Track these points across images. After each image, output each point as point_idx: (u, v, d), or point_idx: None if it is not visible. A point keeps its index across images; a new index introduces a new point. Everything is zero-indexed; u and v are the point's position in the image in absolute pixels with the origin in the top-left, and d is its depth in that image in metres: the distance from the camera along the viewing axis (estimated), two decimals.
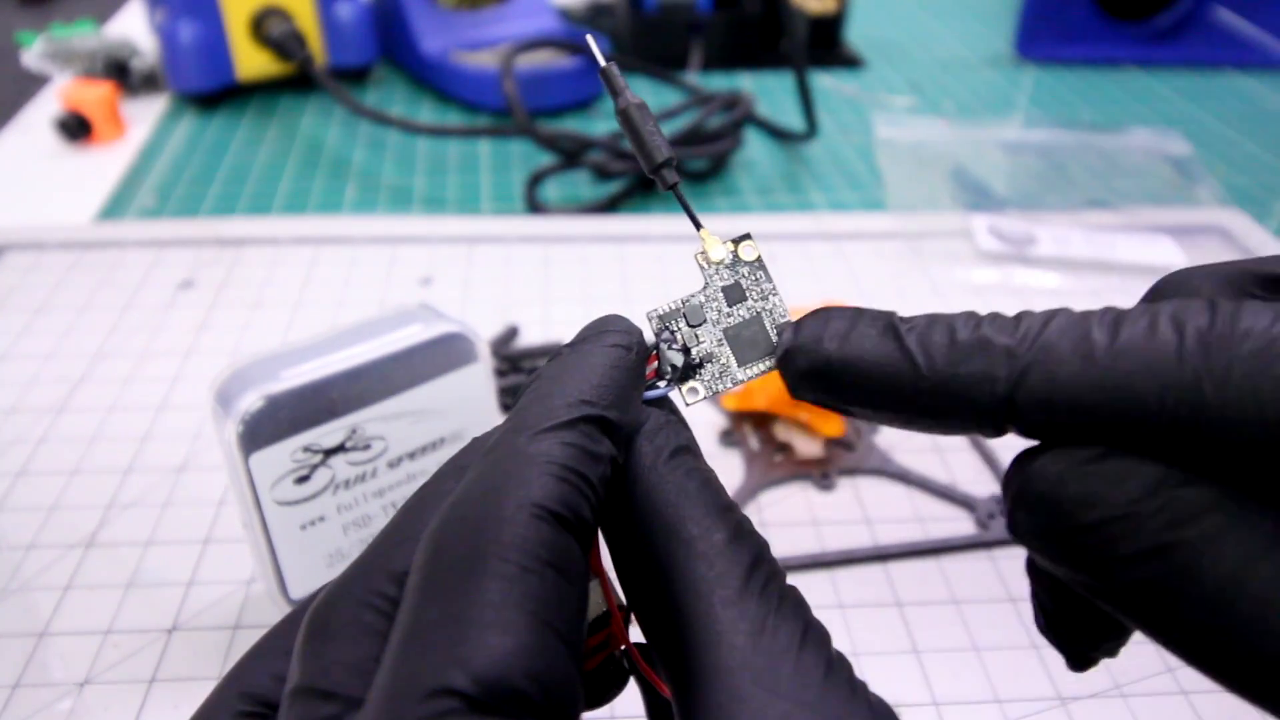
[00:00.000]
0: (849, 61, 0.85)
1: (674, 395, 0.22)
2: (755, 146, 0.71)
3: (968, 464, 0.42)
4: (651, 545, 0.18)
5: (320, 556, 0.32)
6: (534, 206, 0.61)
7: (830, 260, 0.56)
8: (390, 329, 0.32)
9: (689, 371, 0.22)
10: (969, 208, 0.61)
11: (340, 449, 0.31)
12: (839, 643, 0.33)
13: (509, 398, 0.44)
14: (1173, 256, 0.56)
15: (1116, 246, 0.56)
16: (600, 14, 0.88)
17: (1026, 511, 0.18)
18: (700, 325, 0.22)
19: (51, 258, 0.55)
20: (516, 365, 0.46)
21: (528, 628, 0.15)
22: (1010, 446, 0.42)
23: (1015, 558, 0.37)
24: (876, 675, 0.33)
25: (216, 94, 0.74)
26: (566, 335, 0.49)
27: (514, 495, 0.17)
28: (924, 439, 0.43)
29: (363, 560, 0.18)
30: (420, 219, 0.60)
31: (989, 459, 0.42)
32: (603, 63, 0.23)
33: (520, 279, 0.53)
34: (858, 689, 0.17)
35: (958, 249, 0.57)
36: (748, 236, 0.22)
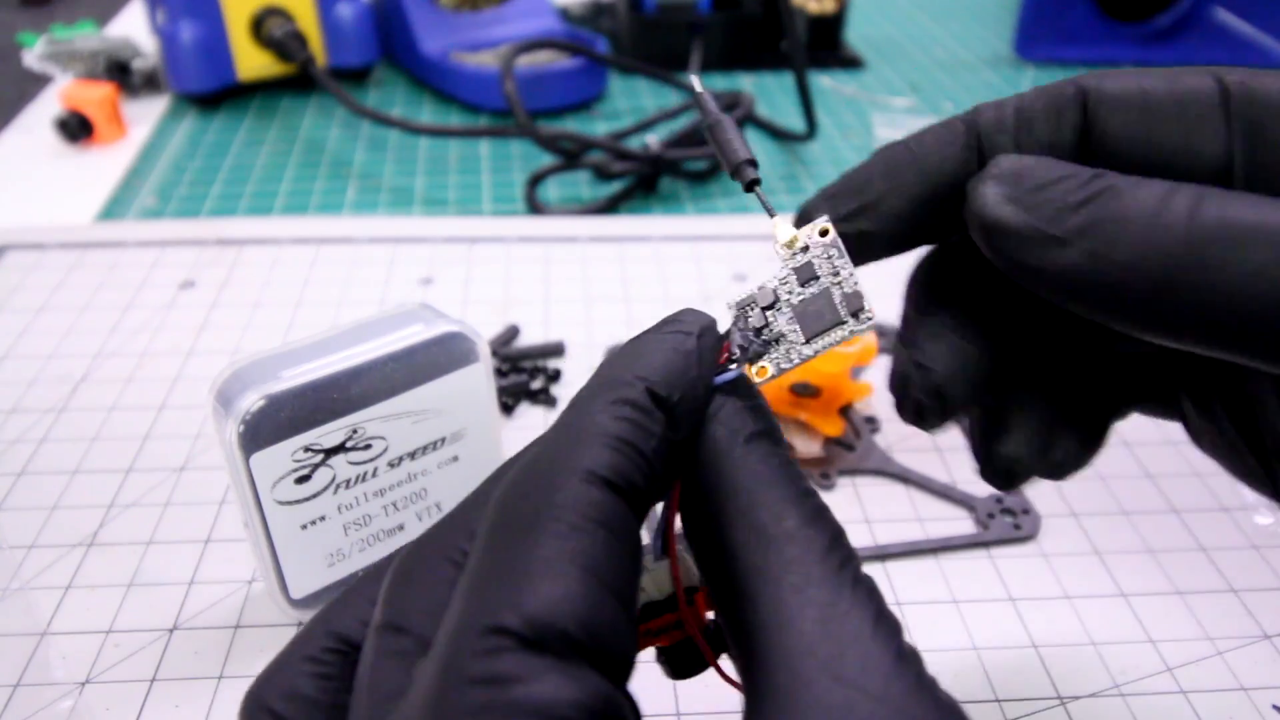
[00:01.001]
0: (849, 62, 0.85)
1: (750, 376, 0.22)
2: (755, 147, 0.71)
3: (967, 464, 0.42)
4: (723, 529, 0.19)
5: (321, 556, 0.32)
6: (534, 207, 0.61)
7: None
8: (391, 329, 0.32)
9: (759, 351, 0.22)
10: None
11: (341, 449, 0.31)
12: None
13: (509, 398, 0.44)
14: None
15: None
16: (600, 14, 0.88)
17: (997, 184, 0.21)
18: (773, 307, 0.23)
19: (52, 258, 0.55)
20: (516, 365, 0.46)
21: (577, 579, 0.16)
22: None
23: (1015, 557, 0.37)
24: None
25: (217, 94, 0.74)
26: (567, 335, 0.49)
27: (568, 463, 0.18)
28: (924, 439, 0.43)
29: (446, 519, 0.20)
30: (421, 219, 0.60)
31: None
32: (699, 88, 0.25)
33: (520, 279, 0.53)
34: (926, 683, 0.17)
35: None
36: (823, 219, 0.23)
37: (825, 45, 0.85)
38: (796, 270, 0.23)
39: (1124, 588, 0.36)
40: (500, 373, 0.46)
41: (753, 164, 0.24)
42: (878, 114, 0.74)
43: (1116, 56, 0.85)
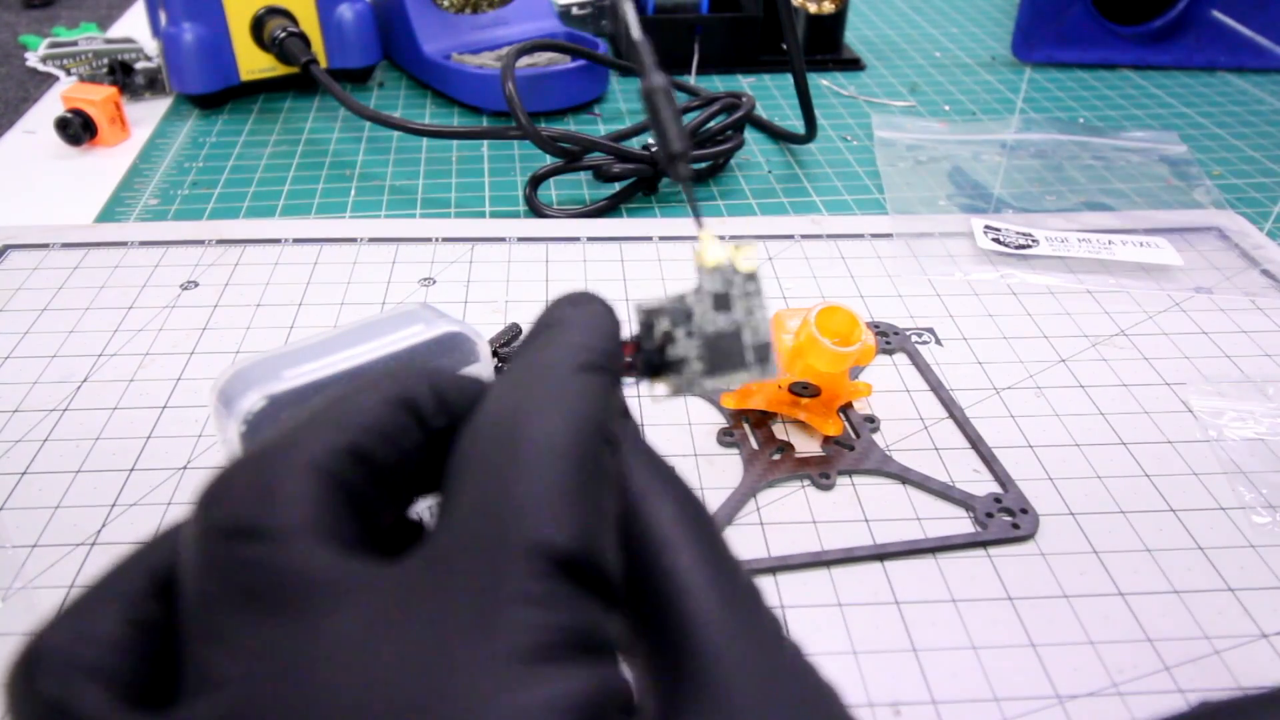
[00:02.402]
0: (848, 63, 0.85)
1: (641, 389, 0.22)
2: (755, 148, 0.71)
3: (967, 464, 0.42)
4: (643, 568, 0.18)
5: None
6: (535, 208, 0.61)
7: (829, 261, 0.56)
8: (392, 329, 0.32)
9: (660, 369, 0.22)
10: (967, 209, 0.61)
11: None
12: (838, 642, 0.34)
13: None
14: (1170, 257, 0.56)
15: (1114, 247, 0.57)
16: (600, 15, 0.88)
17: None
18: (682, 327, 0.22)
19: (55, 258, 0.55)
20: None
21: (590, 513, 0.16)
22: (1010, 446, 0.43)
23: (1013, 557, 0.37)
24: (875, 674, 0.33)
25: (219, 96, 0.74)
26: None
27: (558, 346, 0.19)
28: (924, 439, 0.43)
29: (276, 442, 0.17)
30: (422, 220, 0.60)
31: (987, 458, 0.42)
32: (637, 35, 0.22)
33: (520, 279, 0.54)
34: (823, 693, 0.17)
35: (956, 250, 0.57)
36: (751, 244, 0.22)
37: (825, 46, 0.85)
38: (714, 296, 0.22)
39: (1122, 587, 0.36)
40: (500, 372, 0.46)
41: (685, 157, 0.22)
42: (877, 115, 0.75)
43: (1114, 58, 0.85)
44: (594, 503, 0.16)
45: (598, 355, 0.19)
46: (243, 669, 0.14)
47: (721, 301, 0.22)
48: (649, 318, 0.22)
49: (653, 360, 0.22)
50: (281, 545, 0.15)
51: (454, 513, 0.16)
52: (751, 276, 0.22)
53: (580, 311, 0.21)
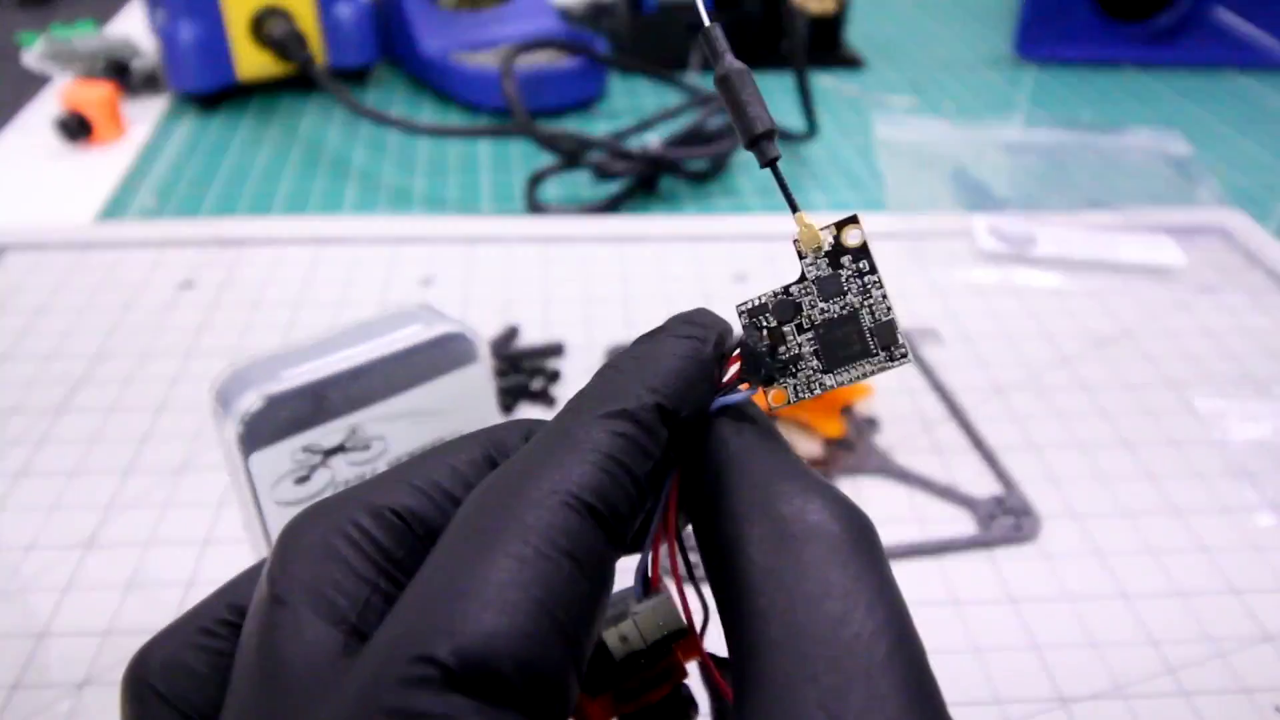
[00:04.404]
0: (849, 62, 0.85)
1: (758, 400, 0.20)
2: None
3: (968, 464, 0.42)
4: (737, 523, 0.17)
5: None
6: (534, 207, 0.61)
7: None
8: (390, 329, 0.32)
9: (775, 375, 0.20)
10: (969, 208, 0.61)
11: (340, 449, 0.31)
12: None
13: (509, 398, 0.44)
14: (1173, 257, 0.56)
15: (1117, 247, 0.56)
16: (600, 14, 0.88)
17: None
18: (791, 322, 0.20)
19: (52, 258, 0.55)
20: (516, 365, 0.46)
21: (526, 612, 0.15)
22: (1012, 447, 0.42)
23: (1015, 558, 0.37)
24: None
25: (217, 94, 0.74)
26: (567, 335, 0.49)
27: (550, 479, 0.16)
28: (926, 440, 0.43)
29: (344, 492, 0.18)
30: (421, 219, 0.60)
31: (989, 459, 0.42)
32: (706, 21, 0.20)
33: (520, 279, 0.53)
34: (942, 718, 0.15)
35: (958, 249, 0.57)
36: (854, 220, 0.19)
37: (826, 45, 0.85)
38: (819, 282, 0.19)
39: (1125, 589, 0.36)
40: (500, 373, 0.46)
41: (772, 136, 0.19)
42: (878, 114, 0.74)
43: (1117, 56, 0.85)
44: (547, 597, 0.15)
45: (636, 400, 0.18)
46: None
47: (830, 286, 0.19)
48: (751, 318, 0.20)
49: (763, 365, 0.19)
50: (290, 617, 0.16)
51: (396, 605, 0.16)
52: (862, 252, 0.19)
53: (646, 347, 0.19)
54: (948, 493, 0.40)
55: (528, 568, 0.15)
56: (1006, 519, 0.39)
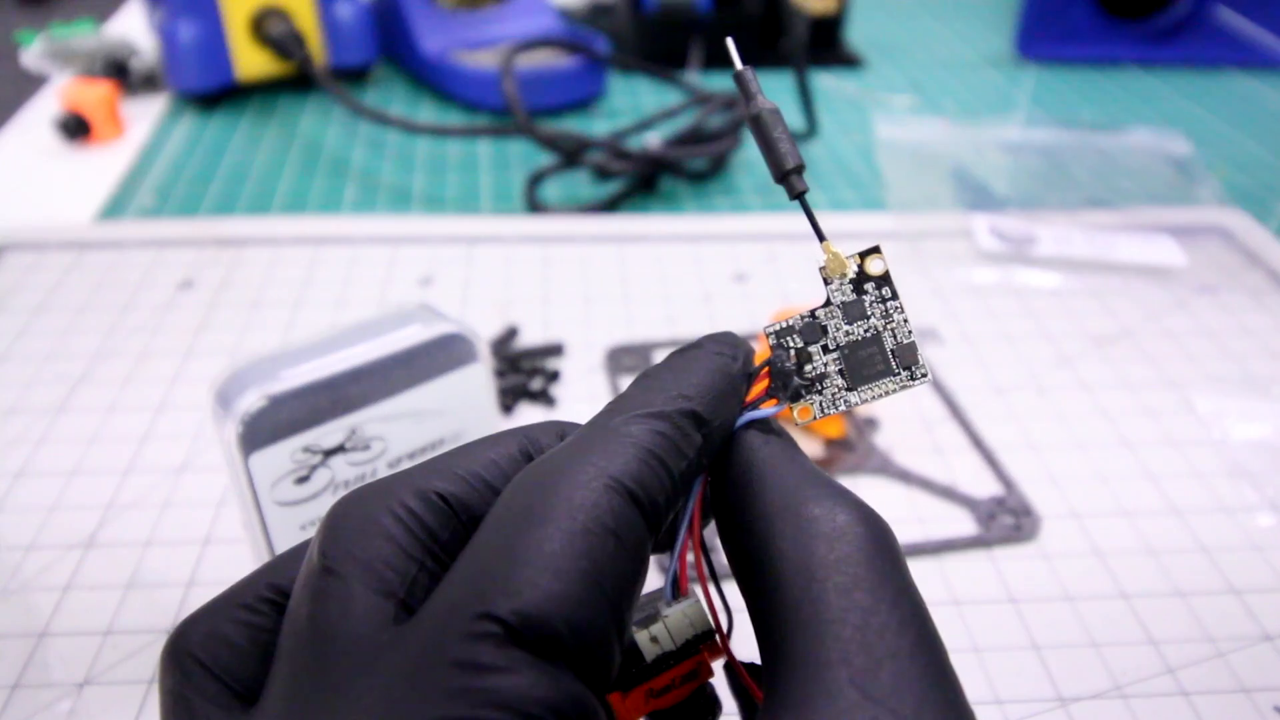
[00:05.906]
0: (849, 61, 0.85)
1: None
2: (755, 146, 0.71)
3: (968, 464, 0.42)
4: (768, 524, 0.18)
5: None
6: (534, 206, 0.61)
7: None
8: (390, 329, 0.32)
9: (801, 391, 0.21)
10: (969, 207, 0.61)
11: (340, 449, 0.31)
12: None
13: (509, 398, 0.44)
14: (1174, 256, 0.56)
15: (1117, 246, 0.56)
16: (600, 14, 0.88)
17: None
18: (817, 343, 0.21)
19: (51, 258, 0.55)
20: (516, 365, 0.46)
21: (577, 580, 0.16)
22: (1012, 447, 0.42)
23: (1015, 558, 0.37)
24: None
25: (216, 94, 0.74)
26: (566, 335, 0.49)
27: (594, 465, 0.18)
28: (926, 440, 0.43)
29: (398, 474, 0.19)
30: (420, 219, 0.60)
31: (989, 459, 0.42)
32: (739, 66, 0.22)
33: (520, 279, 0.53)
34: (965, 715, 0.16)
35: (958, 249, 0.57)
36: (876, 250, 0.21)
37: (826, 44, 0.85)
38: (844, 307, 0.21)
39: (1125, 588, 0.36)
40: (500, 373, 0.46)
41: (801, 171, 0.22)
42: (878, 113, 0.74)
43: (1118, 55, 0.85)
44: (594, 569, 0.17)
45: (672, 401, 0.19)
46: (282, 706, 0.17)
47: (854, 310, 0.21)
48: (779, 339, 0.21)
49: (790, 382, 0.21)
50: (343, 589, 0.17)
51: (449, 573, 0.17)
52: (884, 279, 0.21)
53: (681, 360, 0.21)
54: (948, 492, 0.40)
55: (577, 540, 0.17)
56: (1006, 519, 0.39)
